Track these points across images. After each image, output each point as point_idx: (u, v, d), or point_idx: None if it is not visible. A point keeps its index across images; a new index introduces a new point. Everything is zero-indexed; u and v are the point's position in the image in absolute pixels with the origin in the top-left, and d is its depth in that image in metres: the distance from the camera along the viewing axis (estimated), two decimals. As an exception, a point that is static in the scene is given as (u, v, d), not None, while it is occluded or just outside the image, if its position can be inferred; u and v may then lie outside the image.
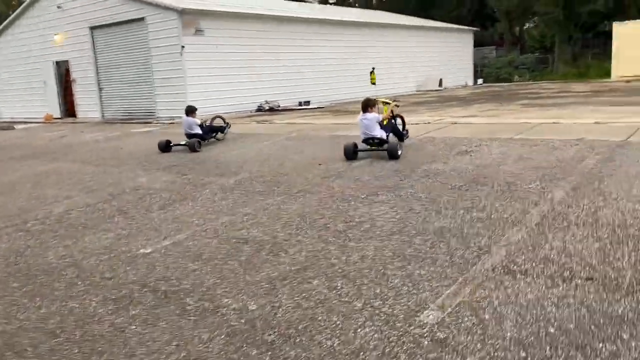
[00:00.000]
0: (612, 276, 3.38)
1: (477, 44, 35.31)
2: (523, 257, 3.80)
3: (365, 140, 7.98)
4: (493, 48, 41.37)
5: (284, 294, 3.55)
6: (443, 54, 28.98)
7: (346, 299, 3.39)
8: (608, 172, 5.87)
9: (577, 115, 10.65)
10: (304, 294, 3.51)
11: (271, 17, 19.67)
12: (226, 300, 3.53)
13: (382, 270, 3.78)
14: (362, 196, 5.81)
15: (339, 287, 3.57)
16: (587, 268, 3.53)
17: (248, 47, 18.32)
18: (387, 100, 8.80)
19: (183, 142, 10.32)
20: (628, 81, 23.08)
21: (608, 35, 27.10)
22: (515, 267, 3.65)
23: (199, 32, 16.88)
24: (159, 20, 16.99)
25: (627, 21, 26.28)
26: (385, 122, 8.16)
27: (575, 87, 21.88)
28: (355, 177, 6.75)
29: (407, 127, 9.13)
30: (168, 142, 10.34)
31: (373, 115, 7.92)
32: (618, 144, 7.23)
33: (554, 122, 9.72)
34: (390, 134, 8.26)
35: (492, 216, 4.78)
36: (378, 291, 3.46)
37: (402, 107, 10.10)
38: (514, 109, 13.62)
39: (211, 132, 10.96)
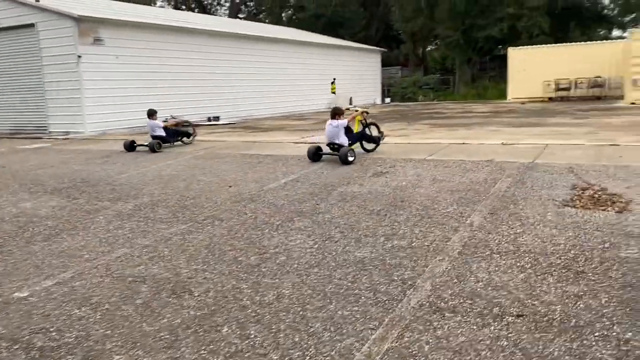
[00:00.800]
0: (542, 312, 3.21)
1: (385, 64, 36.36)
2: (449, 292, 3.56)
3: (329, 145, 8.80)
4: (399, 68, 42.87)
5: (187, 346, 3.04)
6: (353, 72, 29.47)
7: (261, 351, 2.94)
8: (522, 195, 5.90)
9: (484, 136, 10.96)
10: (211, 346, 3.02)
11: (176, 28, 18.84)
12: (117, 357, 2.95)
13: (301, 312, 3.37)
14: (277, 222, 5.40)
15: (252, 336, 3.11)
16: (516, 303, 3.34)
17: (152, 59, 17.37)
18: (358, 108, 9.60)
19: (146, 143, 11.13)
20: (523, 103, 24.64)
21: (503, 59, 28.89)
22: (442, 303, 3.40)
23: (97, 41, 15.74)
24: (52, 27, 15.63)
25: (521, 47, 28.16)
26: (355, 129, 9.02)
27: (476, 107, 22.97)
28: (269, 201, 6.32)
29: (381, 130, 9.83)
30: (132, 142, 11.32)
31: (339, 122, 8.65)
32: (527, 165, 7.39)
33: (462, 143, 9.89)
34: (365, 141, 9.20)
35: (414, 244, 4.55)
36: (297, 339, 3.04)
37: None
38: (421, 128, 13.88)
39: (176, 135, 11.68)
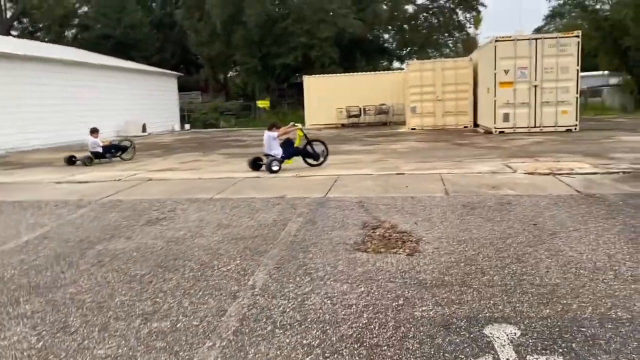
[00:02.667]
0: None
1: (184, 88, 34.94)
2: (214, 405, 2.59)
3: (265, 155, 9.82)
4: (199, 93, 41.75)
5: None
6: (146, 97, 27.45)
7: None
8: (312, 239, 5.27)
9: (278, 166, 10.43)
10: None
11: None
12: None
13: None
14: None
15: None
16: (299, 413, 2.51)
17: None
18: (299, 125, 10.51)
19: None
20: (319, 129, 25.40)
21: (301, 86, 29.71)
22: None
23: None
24: None
25: (316, 75, 29.25)
26: (297, 143, 9.90)
27: (275, 134, 22.93)
28: (-8, 273, 4.69)
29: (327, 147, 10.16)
30: (72, 156, 12.48)
31: (270, 134, 9.73)
32: (318, 201, 6.90)
33: (256, 177, 9.19)
34: (306, 157, 10.04)
35: (178, 325, 3.51)
36: None
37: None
38: (217, 159, 12.96)
39: (114, 150, 12.91)
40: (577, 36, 15.76)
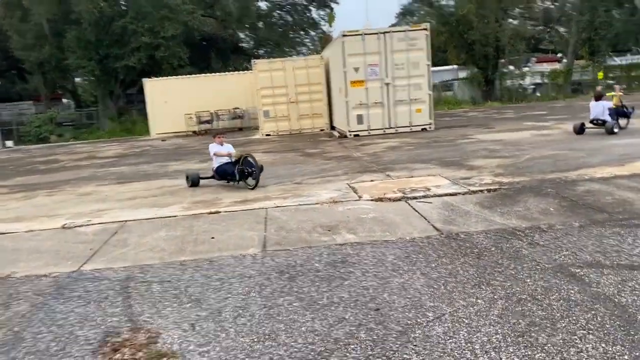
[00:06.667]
0: None
1: (11, 99, 29.72)
2: None
3: None
4: (31, 103, 36.35)
5: None
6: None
7: None
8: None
9: (58, 208, 7.63)
10: None
11: None
12: None
13: None
14: None
15: None
16: None
17: None
18: None
19: None
20: (163, 139, 22.43)
21: (147, 92, 26.33)
22: None
23: None
24: None
25: (158, 78, 26.08)
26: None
27: (110, 148, 19.61)
28: None
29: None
30: None
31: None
32: (61, 282, 4.41)
33: (3, 233, 6.36)
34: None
35: None
36: None
37: None
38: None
39: None
40: (426, 29, 14.72)
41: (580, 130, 11.48)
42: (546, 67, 35.28)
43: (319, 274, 4.16)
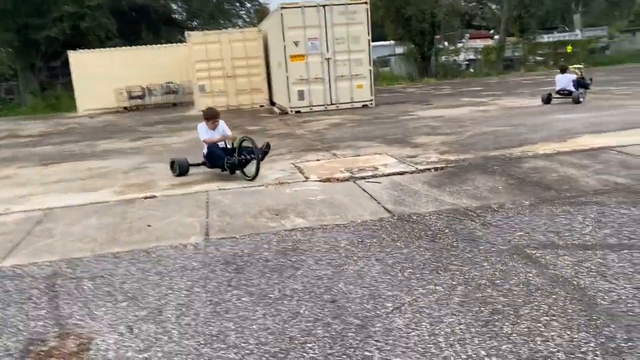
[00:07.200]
0: None
1: None
2: None
3: None
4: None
5: None
6: None
7: None
8: None
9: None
10: None
11: None
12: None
13: None
14: None
15: None
16: None
17: None
18: None
19: None
20: (91, 116, 21.16)
21: (73, 65, 24.64)
22: None
23: None
24: None
25: (85, 50, 24.49)
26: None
27: (31, 127, 18.27)
28: None
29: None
30: None
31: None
32: (-25, 282, 3.91)
33: None
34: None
35: None
36: None
37: None
38: None
39: None
40: (366, 2, 14.48)
41: (547, 100, 12.26)
42: (479, 43, 36.04)
43: (269, 263, 3.89)
